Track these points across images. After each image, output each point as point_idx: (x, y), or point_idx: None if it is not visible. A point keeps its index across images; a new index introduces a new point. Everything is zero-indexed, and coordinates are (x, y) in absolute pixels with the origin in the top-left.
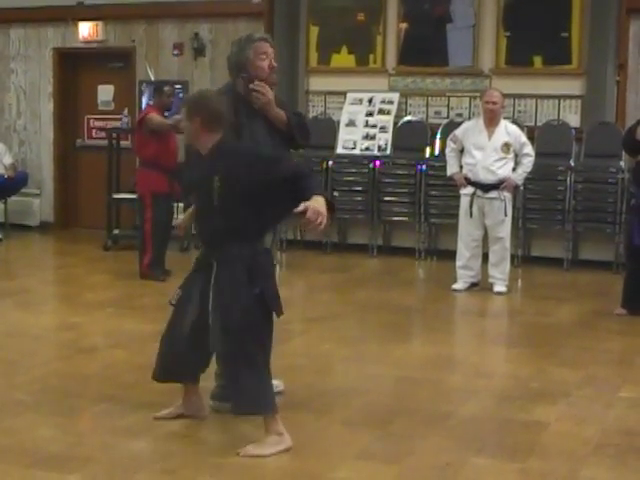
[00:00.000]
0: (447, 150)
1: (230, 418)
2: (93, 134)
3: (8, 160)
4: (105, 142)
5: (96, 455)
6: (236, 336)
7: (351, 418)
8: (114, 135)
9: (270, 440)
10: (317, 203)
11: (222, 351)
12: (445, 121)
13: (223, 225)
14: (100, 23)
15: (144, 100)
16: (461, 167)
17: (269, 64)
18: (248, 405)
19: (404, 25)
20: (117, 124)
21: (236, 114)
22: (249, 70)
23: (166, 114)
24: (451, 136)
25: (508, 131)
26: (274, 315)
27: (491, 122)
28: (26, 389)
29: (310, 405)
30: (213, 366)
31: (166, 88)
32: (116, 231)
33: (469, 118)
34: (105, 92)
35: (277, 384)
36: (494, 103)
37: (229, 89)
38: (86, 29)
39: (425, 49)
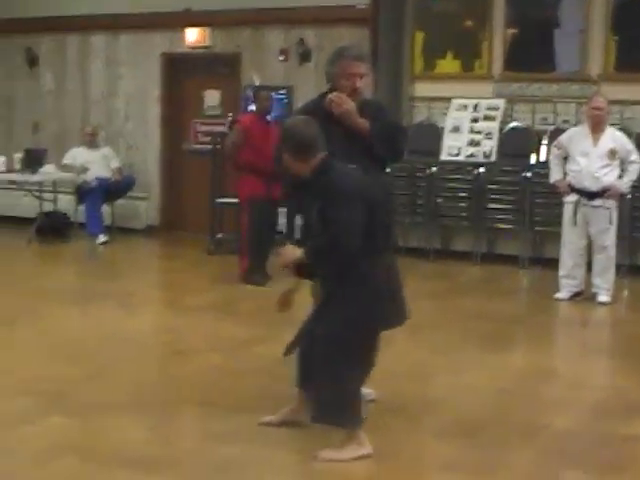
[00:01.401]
0: (551, 157)
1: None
2: (199, 138)
3: (115, 164)
4: (210, 147)
5: (184, 459)
6: (323, 347)
7: (441, 428)
8: (219, 139)
9: (349, 446)
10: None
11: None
12: (551, 127)
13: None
14: (207, 29)
15: (249, 105)
16: (565, 174)
17: (353, 85)
18: (326, 416)
19: (510, 30)
20: (222, 129)
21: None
22: (334, 83)
23: (268, 118)
24: (555, 142)
25: (614, 138)
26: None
27: (596, 128)
28: (120, 391)
29: (401, 413)
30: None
31: (262, 92)
32: (219, 235)
33: (576, 125)
34: (211, 97)
35: (369, 392)
36: (599, 109)
37: (318, 97)
38: (193, 35)
39: (532, 54)
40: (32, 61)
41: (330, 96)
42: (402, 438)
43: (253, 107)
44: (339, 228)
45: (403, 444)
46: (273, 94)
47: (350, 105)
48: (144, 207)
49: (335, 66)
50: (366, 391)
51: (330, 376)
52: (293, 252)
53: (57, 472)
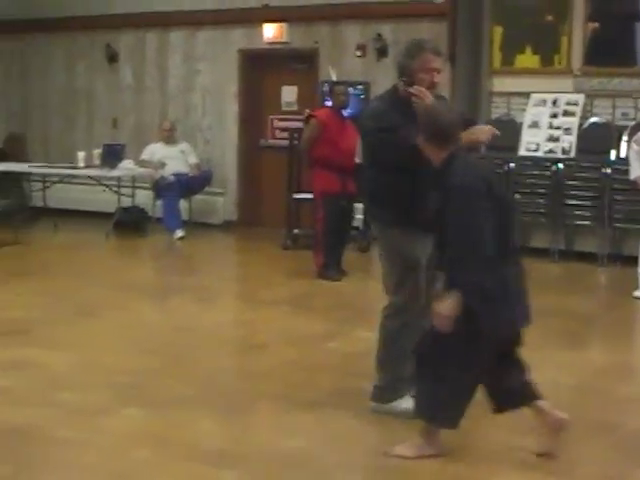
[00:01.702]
0: (630, 152)
1: (391, 420)
2: (276, 134)
3: (193, 159)
4: (287, 142)
5: (255, 453)
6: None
7: (514, 424)
8: (295, 135)
9: (419, 443)
10: None
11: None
12: (632, 123)
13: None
14: (284, 25)
15: (326, 100)
16: None
17: (431, 80)
18: (423, 411)
19: (591, 25)
20: (299, 124)
21: (394, 116)
22: (411, 76)
23: (344, 113)
24: (635, 137)
25: None
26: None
27: None
28: (193, 383)
29: (473, 409)
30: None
31: (338, 87)
32: (296, 231)
33: None
34: (289, 93)
35: None
36: None
37: (390, 92)
38: (271, 31)
39: (612, 49)
40: (112, 57)
41: (412, 89)
42: (478, 434)
43: (329, 102)
44: (466, 242)
45: (479, 440)
46: (350, 89)
47: (430, 99)
48: (221, 202)
49: (415, 59)
50: None
51: (439, 371)
52: (446, 308)
53: (131, 464)
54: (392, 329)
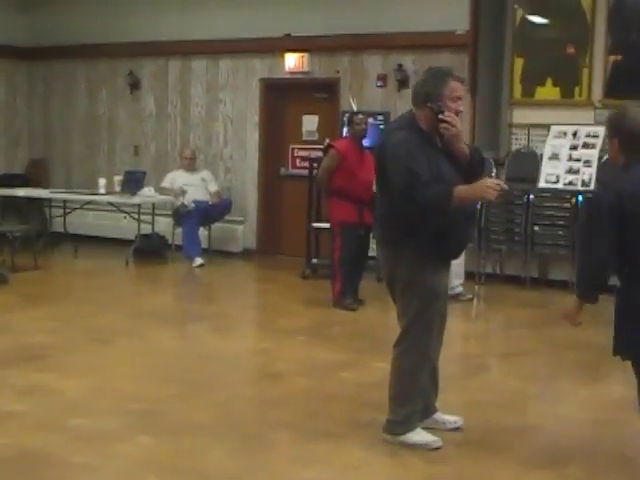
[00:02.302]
0: None
1: (404, 452)
2: (297, 163)
3: (213, 187)
4: (307, 171)
5: None
6: None
7: (528, 458)
8: (315, 165)
9: None
10: None
11: None
12: None
13: None
14: (306, 54)
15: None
16: None
17: (457, 108)
18: None
19: (612, 57)
20: (320, 154)
21: (422, 148)
22: (437, 103)
23: (363, 143)
24: None
25: None
26: None
27: None
28: (208, 411)
29: (489, 442)
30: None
31: (357, 116)
32: (315, 260)
33: None
34: (310, 122)
35: (454, 420)
36: None
37: (409, 121)
38: (292, 60)
39: (633, 81)
40: (134, 84)
41: (442, 116)
42: (486, 467)
43: (346, 132)
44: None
45: (488, 473)
46: (370, 120)
47: (461, 127)
48: (241, 230)
49: (443, 87)
50: (451, 419)
51: None
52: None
53: None
54: (408, 366)
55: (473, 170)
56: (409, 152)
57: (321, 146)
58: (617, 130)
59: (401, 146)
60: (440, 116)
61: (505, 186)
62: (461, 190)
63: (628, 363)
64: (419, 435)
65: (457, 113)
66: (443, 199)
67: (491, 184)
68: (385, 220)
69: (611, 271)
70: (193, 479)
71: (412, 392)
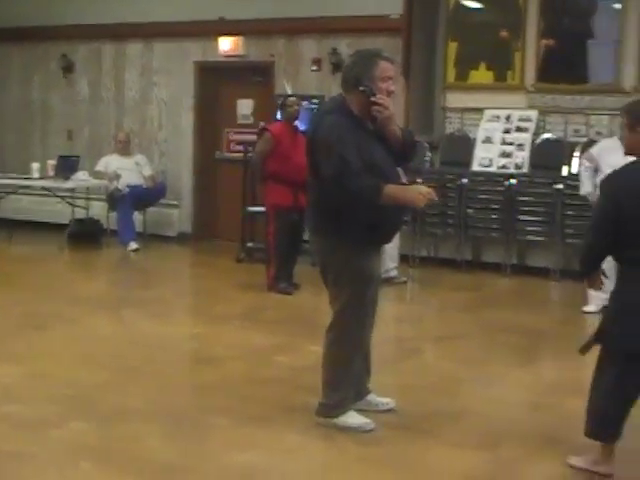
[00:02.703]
0: (581, 169)
1: (338, 434)
2: (232, 147)
3: (148, 171)
4: (242, 155)
5: (202, 466)
6: None
7: (461, 440)
8: (250, 148)
9: (594, 459)
10: None
11: None
12: (584, 139)
13: None
14: (240, 38)
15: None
16: (596, 187)
17: (389, 88)
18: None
19: (544, 41)
20: (255, 138)
21: (354, 133)
22: (368, 85)
23: (297, 126)
24: (586, 154)
25: None
26: None
27: None
28: (143, 397)
29: (422, 425)
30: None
31: (289, 99)
32: (250, 244)
33: (609, 137)
34: (244, 106)
35: (387, 401)
36: None
37: (340, 105)
38: (227, 44)
39: (565, 66)
40: (67, 68)
41: (374, 98)
42: (419, 449)
43: (280, 115)
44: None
45: (421, 454)
46: (305, 103)
47: (393, 109)
48: (176, 215)
49: (373, 68)
50: (383, 400)
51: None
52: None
53: (76, 478)
54: (341, 351)
55: (405, 153)
56: (340, 137)
57: (256, 130)
58: None
59: (332, 131)
60: (372, 99)
61: (436, 197)
62: (392, 189)
63: (562, 346)
64: (352, 418)
65: (389, 94)
66: (373, 194)
67: (424, 192)
68: (316, 206)
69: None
70: (128, 465)
71: (345, 377)
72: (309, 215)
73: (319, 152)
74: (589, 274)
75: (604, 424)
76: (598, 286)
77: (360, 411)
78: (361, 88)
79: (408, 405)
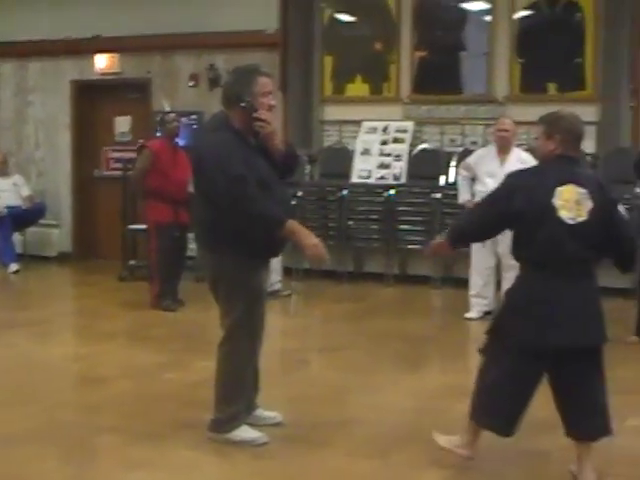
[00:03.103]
0: (459, 178)
1: (231, 449)
2: (110, 165)
3: (26, 192)
4: (122, 173)
5: None
6: None
7: (354, 449)
8: (130, 166)
9: (456, 441)
10: None
11: None
12: (460, 149)
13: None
14: (117, 55)
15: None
16: (473, 195)
17: (269, 103)
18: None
19: (418, 53)
20: (134, 155)
21: (240, 150)
22: (250, 101)
23: (176, 142)
24: (463, 164)
25: (521, 159)
26: None
27: (503, 150)
28: (32, 419)
29: (313, 436)
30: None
31: (168, 115)
32: (132, 262)
33: (484, 146)
34: (122, 123)
35: (274, 415)
36: (506, 131)
37: (223, 123)
38: (103, 61)
39: (439, 77)
40: None
41: (256, 114)
42: (314, 460)
43: (160, 133)
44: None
45: (314, 466)
46: (184, 119)
47: (275, 125)
48: (56, 234)
49: (252, 84)
50: (271, 414)
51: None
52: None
53: None
54: (234, 366)
55: (288, 167)
56: (230, 155)
57: (134, 147)
58: (558, 128)
59: (221, 148)
60: (254, 115)
61: (326, 259)
62: (296, 228)
63: (446, 352)
64: (245, 432)
65: (270, 108)
66: (275, 226)
67: (320, 250)
68: (205, 223)
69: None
70: None
71: (238, 391)
72: (197, 231)
73: (209, 170)
74: (453, 244)
75: (492, 414)
76: (440, 254)
77: (250, 425)
78: (242, 104)
79: (298, 417)
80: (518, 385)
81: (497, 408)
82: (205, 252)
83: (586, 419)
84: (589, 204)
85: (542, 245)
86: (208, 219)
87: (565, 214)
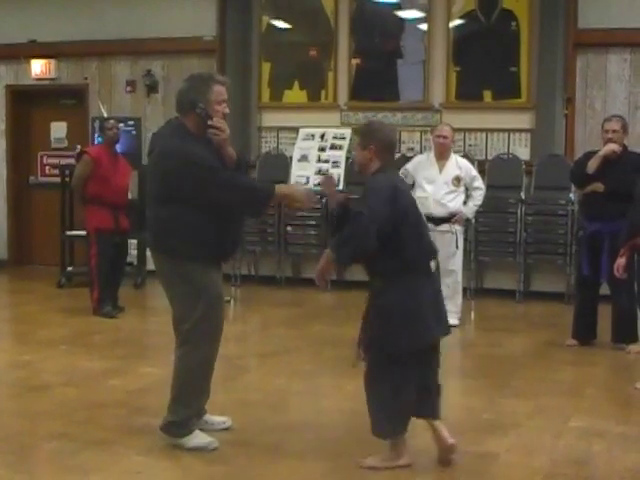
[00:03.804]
0: None
1: (183, 454)
2: (46, 171)
3: None
4: (58, 179)
5: None
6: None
7: (303, 452)
8: (67, 172)
9: (389, 456)
10: None
11: None
12: (397, 155)
13: None
14: (53, 61)
15: (97, 137)
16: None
17: (224, 111)
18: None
19: (355, 61)
20: (70, 161)
21: (205, 155)
22: (205, 109)
23: (116, 148)
24: (402, 170)
25: (459, 165)
26: None
27: (442, 156)
28: None
29: (261, 440)
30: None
31: (108, 122)
32: (70, 268)
33: (421, 152)
34: (58, 129)
35: (224, 420)
36: (444, 137)
37: (179, 129)
38: (38, 66)
39: (376, 84)
40: None
41: (211, 122)
42: (264, 464)
43: (100, 139)
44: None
45: (266, 469)
46: (121, 125)
47: (228, 132)
48: None
49: (208, 92)
50: (220, 419)
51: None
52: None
53: None
54: (192, 368)
55: (240, 173)
56: (200, 154)
57: (71, 153)
58: (373, 139)
59: (188, 149)
60: (209, 122)
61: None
62: (284, 189)
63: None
64: (197, 437)
65: (224, 116)
66: (268, 193)
67: (311, 195)
68: (161, 228)
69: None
70: None
71: (194, 393)
72: (151, 237)
73: (179, 173)
74: (344, 263)
75: (395, 422)
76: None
77: (201, 430)
78: (198, 111)
79: (245, 421)
80: (409, 387)
81: (402, 416)
82: (159, 256)
83: (431, 399)
84: None
85: (421, 247)
86: (165, 221)
87: None
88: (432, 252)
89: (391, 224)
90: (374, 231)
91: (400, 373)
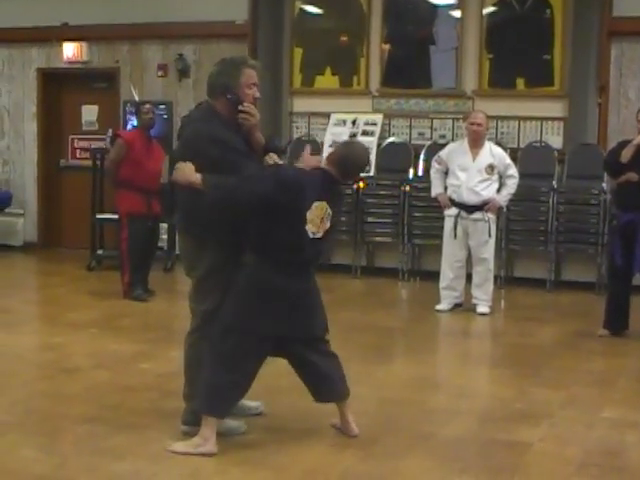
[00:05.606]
0: (432, 171)
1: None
2: (77, 154)
3: None
4: (89, 162)
5: (80, 477)
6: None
7: (334, 439)
8: (98, 155)
9: (195, 441)
10: None
11: None
12: (428, 142)
13: None
14: (84, 44)
15: (128, 120)
16: (446, 188)
17: (254, 95)
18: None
19: (387, 47)
20: (101, 144)
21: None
22: (235, 92)
23: (150, 133)
24: (436, 157)
25: (493, 153)
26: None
27: (475, 144)
28: (8, 410)
29: (293, 426)
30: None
31: (143, 106)
32: (100, 251)
33: (452, 140)
34: (89, 112)
35: (257, 405)
36: (479, 125)
37: (210, 113)
38: (70, 50)
39: (408, 71)
40: None
41: (242, 107)
42: (296, 451)
43: (134, 122)
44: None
45: (298, 456)
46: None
47: (258, 117)
48: (21, 223)
49: (239, 76)
50: (253, 404)
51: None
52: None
53: None
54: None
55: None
56: (228, 138)
57: (102, 136)
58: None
59: (217, 132)
60: (240, 107)
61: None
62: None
63: (416, 343)
64: (226, 421)
65: (254, 100)
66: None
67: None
68: (191, 212)
69: None
70: (3, 477)
71: None
72: (182, 219)
73: (211, 156)
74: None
75: (222, 399)
76: None
77: (232, 416)
78: (228, 96)
79: (278, 408)
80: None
81: (233, 396)
82: (186, 238)
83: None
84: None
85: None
86: (195, 207)
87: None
88: (303, 257)
89: (269, 206)
90: (254, 198)
91: (234, 351)
